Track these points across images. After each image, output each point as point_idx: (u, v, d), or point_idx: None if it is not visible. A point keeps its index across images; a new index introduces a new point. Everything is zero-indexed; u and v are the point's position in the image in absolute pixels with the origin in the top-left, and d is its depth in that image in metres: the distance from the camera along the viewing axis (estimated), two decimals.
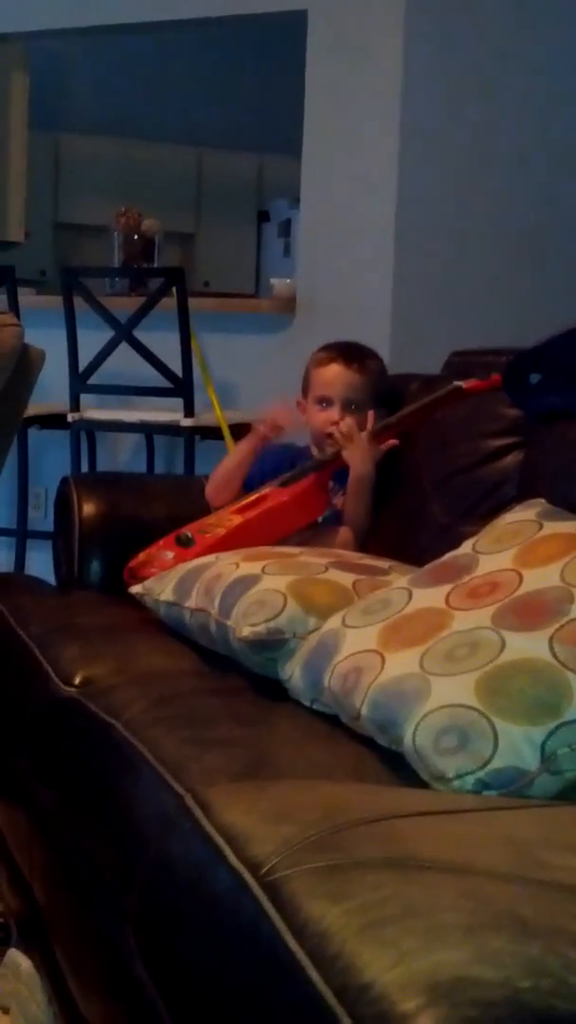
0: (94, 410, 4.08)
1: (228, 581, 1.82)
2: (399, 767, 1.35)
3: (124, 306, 3.97)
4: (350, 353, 2.46)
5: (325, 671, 1.55)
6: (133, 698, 1.64)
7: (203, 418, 3.91)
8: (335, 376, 2.42)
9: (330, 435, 2.39)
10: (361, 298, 4.09)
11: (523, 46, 4.17)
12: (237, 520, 2.28)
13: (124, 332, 3.87)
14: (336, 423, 2.38)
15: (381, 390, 2.46)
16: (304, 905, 0.90)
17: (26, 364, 2.85)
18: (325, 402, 2.42)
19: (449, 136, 4.13)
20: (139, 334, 3.85)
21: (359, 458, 2.34)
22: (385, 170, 4.08)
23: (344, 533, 2.31)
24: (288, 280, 4.36)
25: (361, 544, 2.29)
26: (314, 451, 2.46)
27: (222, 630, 1.78)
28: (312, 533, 2.28)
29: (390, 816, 1.08)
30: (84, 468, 4.21)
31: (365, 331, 3.85)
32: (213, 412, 4.00)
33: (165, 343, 3.82)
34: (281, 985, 0.86)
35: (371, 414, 2.39)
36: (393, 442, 2.37)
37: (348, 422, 2.36)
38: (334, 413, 2.40)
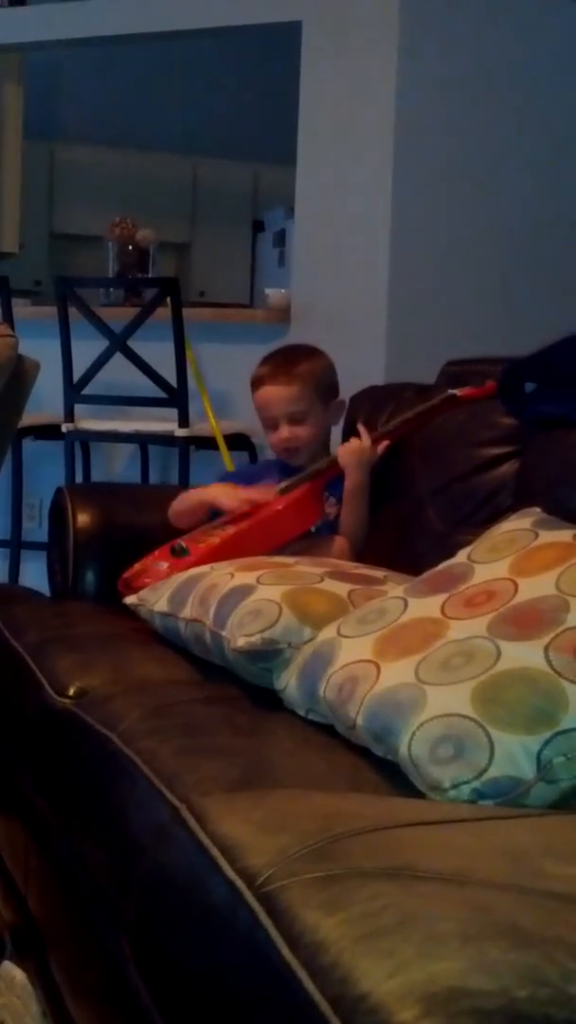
0: (88, 420, 4.08)
1: (223, 591, 1.82)
2: (395, 777, 1.35)
3: (119, 316, 3.97)
4: (277, 368, 2.48)
5: (320, 681, 1.55)
6: (128, 708, 1.63)
7: (197, 428, 3.92)
8: (269, 397, 2.47)
9: (288, 451, 2.45)
10: (356, 308, 4.09)
11: (518, 55, 4.18)
12: (231, 530, 2.27)
13: (119, 342, 3.87)
14: (287, 439, 2.44)
15: (327, 386, 2.49)
16: (300, 915, 0.90)
17: (21, 375, 2.85)
18: (271, 422, 2.46)
19: (444, 146, 4.13)
20: (134, 344, 3.85)
21: (355, 465, 2.36)
22: (380, 180, 4.08)
23: (339, 542, 2.31)
24: (283, 290, 4.36)
25: (357, 552, 2.29)
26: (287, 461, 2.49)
27: (217, 640, 1.78)
28: (307, 543, 2.28)
29: (386, 826, 1.08)
30: (78, 478, 4.21)
31: (360, 341, 3.87)
32: (208, 422, 4.00)
33: (160, 353, 3.82)
34: (276, 995, 0.86)
35: (362, 428, 2.41)
36: (386, 443, 2.39)
37: (354, 442, 2.38)
38: (284, 431, 2.45)
